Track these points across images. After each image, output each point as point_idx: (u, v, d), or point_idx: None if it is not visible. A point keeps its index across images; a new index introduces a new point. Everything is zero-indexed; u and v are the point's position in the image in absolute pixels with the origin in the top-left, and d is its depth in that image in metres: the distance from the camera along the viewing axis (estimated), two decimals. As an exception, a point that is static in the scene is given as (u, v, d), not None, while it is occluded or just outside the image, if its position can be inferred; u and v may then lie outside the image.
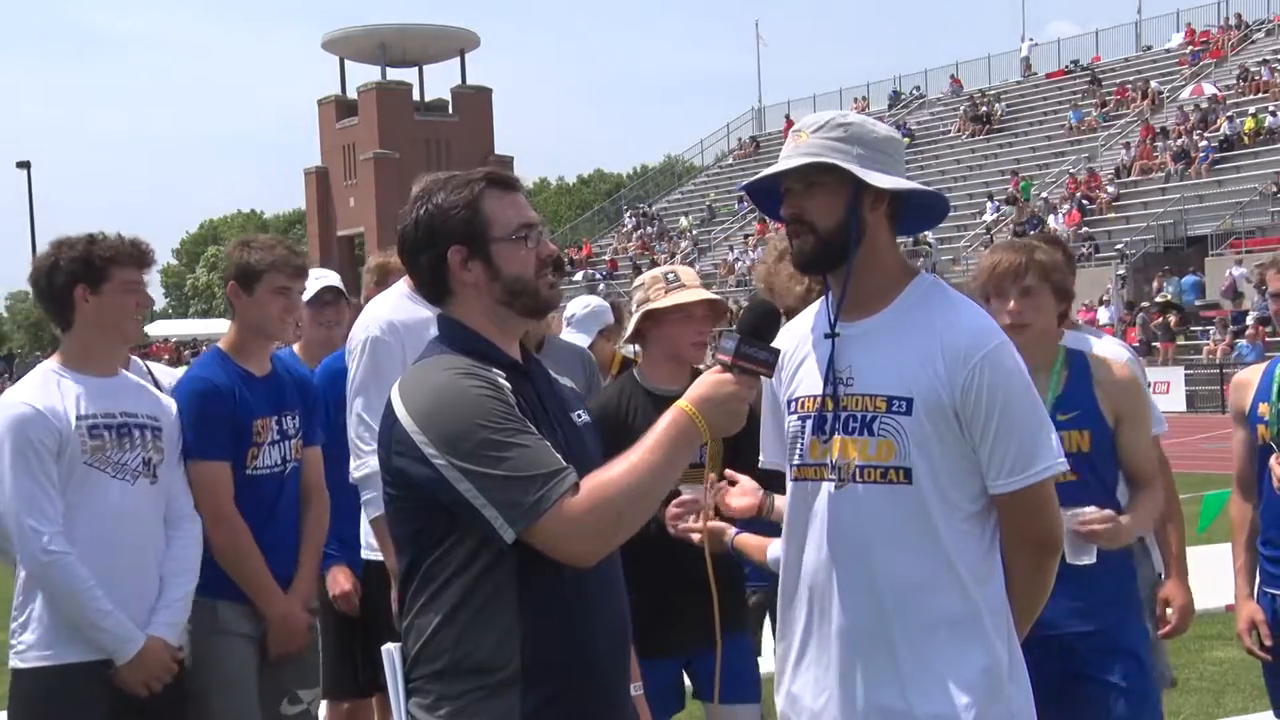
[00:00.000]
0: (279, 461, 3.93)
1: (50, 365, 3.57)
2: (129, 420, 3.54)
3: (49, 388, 3.48)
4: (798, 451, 2.67)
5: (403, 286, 4.17)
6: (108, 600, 3.38)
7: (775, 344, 2.42)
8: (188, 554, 3.62)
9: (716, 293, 3.94)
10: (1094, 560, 3.29)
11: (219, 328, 62.70)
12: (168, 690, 3.53)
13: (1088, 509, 3.29)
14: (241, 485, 3.83)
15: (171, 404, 3.73)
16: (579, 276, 45.17)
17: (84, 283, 3.48)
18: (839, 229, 2.54)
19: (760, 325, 2.40)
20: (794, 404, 2.69)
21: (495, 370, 2.37)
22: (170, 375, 4.23)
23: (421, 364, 2.44)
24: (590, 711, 2.40)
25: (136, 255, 3.55)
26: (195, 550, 3.65)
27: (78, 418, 3.44)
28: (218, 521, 3.78)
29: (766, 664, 3.59)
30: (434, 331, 4.15)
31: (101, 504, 3.44)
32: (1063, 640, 3.37)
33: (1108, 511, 3.30)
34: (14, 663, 3.46)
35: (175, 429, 3.69)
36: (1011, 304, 3.43)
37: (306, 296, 4.79)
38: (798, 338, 2.74)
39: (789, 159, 2.56)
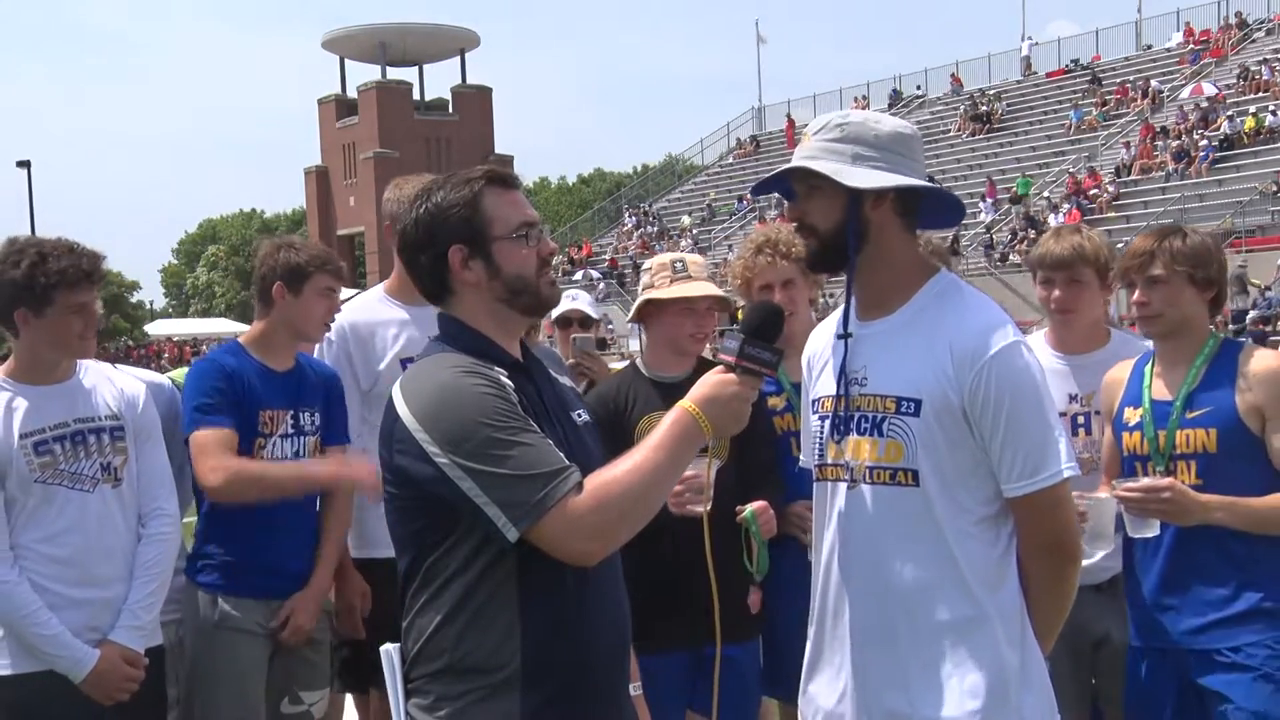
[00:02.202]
0: (290, 456, 3.88)
1: None
2: (83, 426, 3.44)
3: None
4: (817, 451, 2.69)
5: (380, 290, 4.27)
6: (53, 623, 3.32)
7: (806, 343, 2.40)
8: (155, 551, 3.52)
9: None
10: (1155, 533, 3.23)
11: (219, 327, 62.83)
12: (142, 687, 3.47)
13: (1102, 495, 3.23)
14: None
15: (139, 393, 3.61)
16: (579, 275, 45.14)
17: (25, 307, 3.34)
18: (837, 231, 2.55)
19: (763, 326, 2.40)
20: (816, 404, 2.71)
21: (497, 369, 2.36)
22: (135, 382, 3.94)
23: (423, 362, 2.43)
24: (590, 712, 2.40)
25: (83, 275, 3.35)
26: (164, 548, 3.55)
27: (21, 436, 3.35)
28: (213, 473, 3.61)
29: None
30: (395, 332, 4.15)
31: (60, 519, 3.38)
32: (1182, 655, 3.30)
33: (1164, 480, 3.21)
34: None
35: (146, 420, 3.58)
36: (1137, 294, 3.36)
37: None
38: (825, 337, 2.75)
39: (783, 165, 2.60)
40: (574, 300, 5.98)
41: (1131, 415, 3.42)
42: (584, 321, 5.84)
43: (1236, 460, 3.25)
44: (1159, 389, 3.40)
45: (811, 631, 2.72)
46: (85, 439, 3.44)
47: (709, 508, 2.90)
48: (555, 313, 6.09)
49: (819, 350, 2.75)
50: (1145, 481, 3.24)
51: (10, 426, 3.36)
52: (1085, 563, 3.20)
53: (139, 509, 3.54)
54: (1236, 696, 3.21)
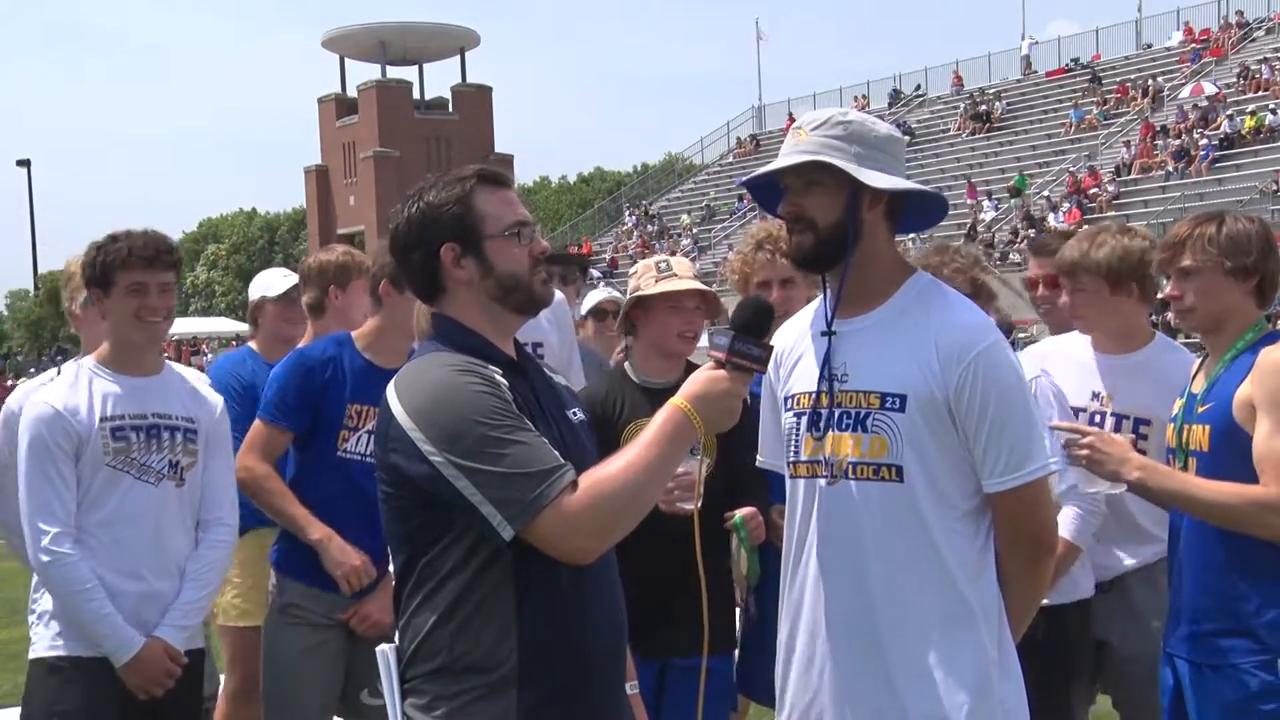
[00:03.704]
0: (369, 452, 3.81)
1: (88, 363, 3.58)
2: (160, 422, 3.54)
3: (78, 388, 3.49)
4: (793, 448, 2.67)
5: None
6: (107, 603, 3.39)
7: (773, 340, 2.40)
8: (212, 557, 3.62)
9: (716, 292, 3.90)
10: (1119, 489, 3.14)
11: (219, 326, 62.77)
12: (181, 688, 3.53)
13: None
14: (333, 467, 3.87)
15: (218, 404, 3.73)
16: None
17: (96, 287, 3.50)
18: (837, 227, 2.54)
19: (753, 322, 2.40)
20: (790, 400, 2.70)
21: (492, 367, 2.36)
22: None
23: (417, 361, 2.42)
24: (587, 710, 2.40)
25: (136, 255, 3.48)
26: (221, 555, 3.66)
27: (102, 419, 3.45)
28: (241, 468, 3.83)
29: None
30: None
31: (121, 505, 3.45)
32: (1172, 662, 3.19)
33: (1090, 429, 3.15)
34: (31, 653, 3.52)
35: (220, 431, 3.69)
36: (1169, 287, 3.20)
37: (277, 293, 4.81)
38: (796, 334, 2.74)
39: (788, 156, 2.56)
40: (610, 292, 5.97)
41: (1175, 407, 3.28)
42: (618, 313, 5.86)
43: (1226, 463, 3.02)
44: (1198, 382, 3.23)
45: (785, 630, 2.71)
46: (160, 434, 3.53)
47: (699, 505, 2.90)
48: (589, 305, 6.08)
49: (789, 347, 2.73)
50: (1064, 424, 3.17)
51: (93, 407, 3.46)
52: (1106, 489, 3.17)
53: (200, 515, 3.63)
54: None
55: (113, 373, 3.53)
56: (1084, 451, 3.13)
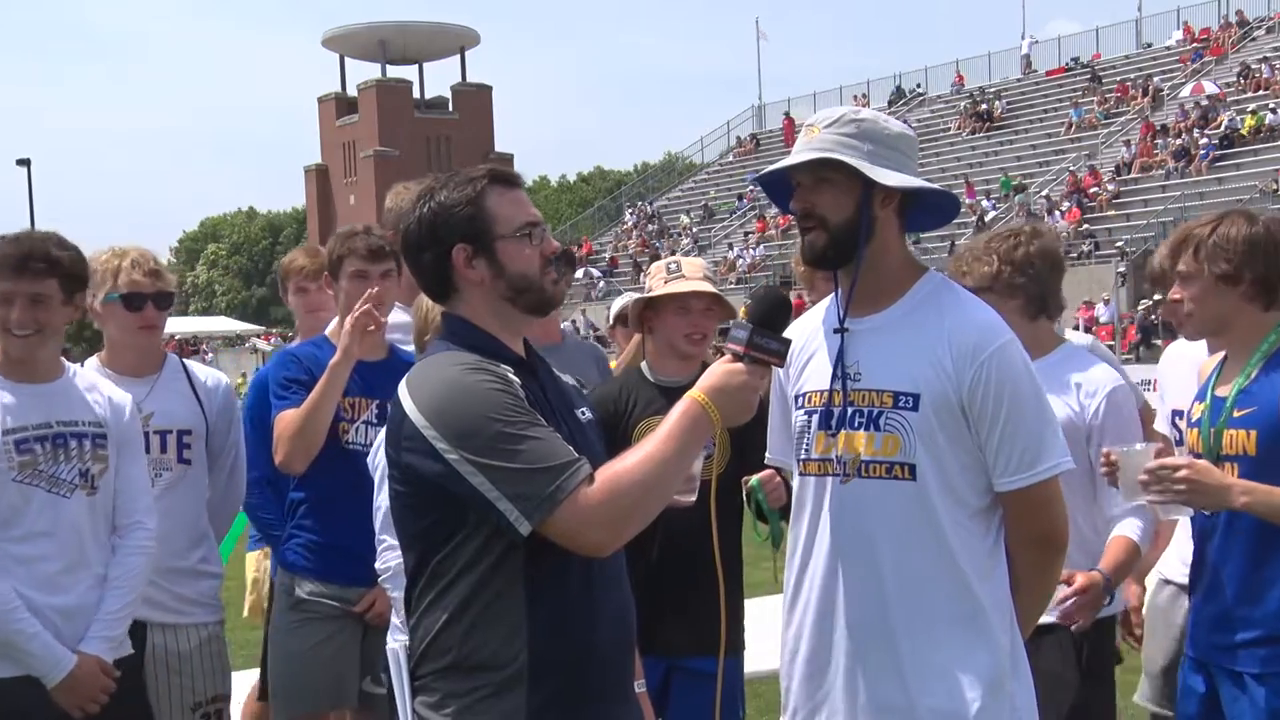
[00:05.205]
0: (369, 442, 3.82)
1: None
2: (66, 430, 3.34)
3: None
4: (804, 446, 2.68)
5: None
6: (34, 622, 3.22)
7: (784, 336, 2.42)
8: (133, 563, 3.42)
9: (744, 287, 3.91)
10: (1188, 514, 3.02)
11: (220, 325, 62.69)
12: (124, 695, 3.38)
13: (1138, 445, 3.05)
14: (338, 457, 3.85)
15: (126, 403, 3.52)
16: (580, 274, 45.11)
17: None
18: (849, 225, 2.55)
19: (771, 315, 2.39)
20: (801, 399, 2.70)
21: (503, 366, 2.36)
22: (211, 374, 4.09)
23: (428, 360, 2.42)
24: (596, 708, 2.40)
25: (8, 264, 3.23)
26: (143, 560, 3.45)
27: (4, 432, 3.25)
28: (276, 453, 3.80)
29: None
30: (399, 338, 4.08)
31: (36, 522, 3.27)
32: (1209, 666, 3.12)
33: (1180, 460, 2.96)
34: None
35: (130, 430, 3.50)
36: (1173, 291, 3.16)
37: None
38: (806, 333, 2.74)
39: (800, 153, 2.56)
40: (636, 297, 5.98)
41: (1196, 411, 3.22)
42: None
43: (1276, 466, 2.95)
44: (1222, 385, 3.16)
45: (791, 628, 2.71)
46: (66, 442, 3.33)
47: (694, 499, 2.91)
48: (615, 309, 6.09)
49: (800, 346, 2.73)
50: (1153, 463, 2.96)
51: None
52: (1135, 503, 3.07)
53: (116, 520, 3.45)
54: None
55: (9, 382, 3.31)
56: (1181, 486, 2.93)
